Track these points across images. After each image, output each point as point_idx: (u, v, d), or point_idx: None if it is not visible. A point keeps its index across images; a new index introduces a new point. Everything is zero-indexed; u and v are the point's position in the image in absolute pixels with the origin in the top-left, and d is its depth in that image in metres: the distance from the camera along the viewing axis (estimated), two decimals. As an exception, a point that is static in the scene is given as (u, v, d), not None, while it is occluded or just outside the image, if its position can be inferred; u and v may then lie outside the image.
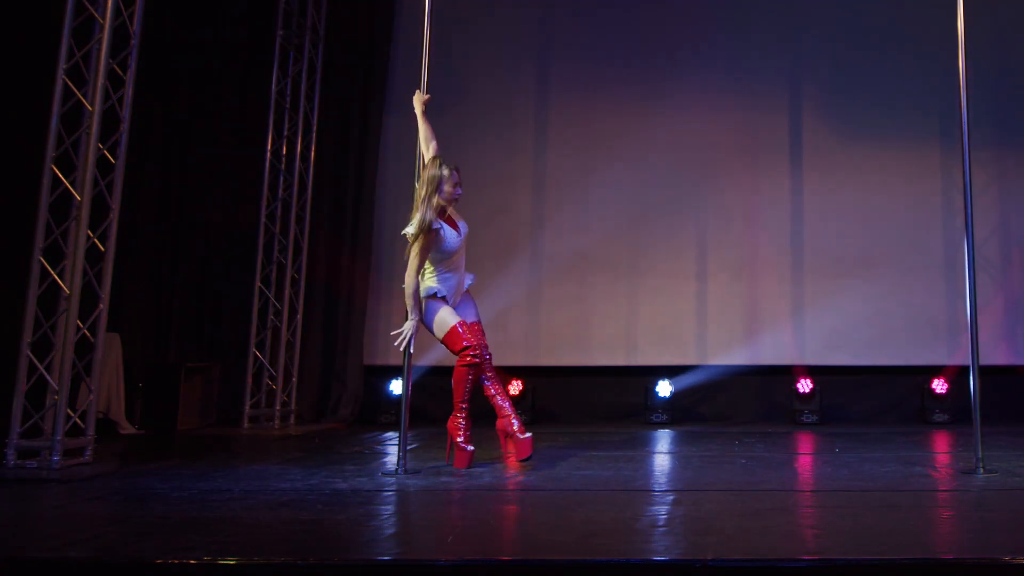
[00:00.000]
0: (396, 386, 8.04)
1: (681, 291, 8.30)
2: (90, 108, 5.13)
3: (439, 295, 4.95)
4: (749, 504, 3.91)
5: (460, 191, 5.01)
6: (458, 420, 4.97)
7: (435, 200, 4.89)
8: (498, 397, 4.96)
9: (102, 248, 5.21)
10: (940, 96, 8.10)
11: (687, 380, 8.17)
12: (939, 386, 7.82)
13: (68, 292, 4.99)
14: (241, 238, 8.10)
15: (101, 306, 5.21)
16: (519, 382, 8.01)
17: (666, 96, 8.54)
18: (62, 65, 5.12)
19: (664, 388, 7.96)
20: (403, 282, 4.92)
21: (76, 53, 5.19)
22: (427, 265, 4.96)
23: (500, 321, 8.20)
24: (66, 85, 5.13)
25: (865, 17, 8.48)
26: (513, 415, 4.97)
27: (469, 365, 4.90)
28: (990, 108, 8.19)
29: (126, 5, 5.37)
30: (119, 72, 5.40)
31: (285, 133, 8.12)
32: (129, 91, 5.45)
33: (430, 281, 4.97)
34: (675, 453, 5.99)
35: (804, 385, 7.88)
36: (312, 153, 8.34)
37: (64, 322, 4.97)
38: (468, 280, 5.16)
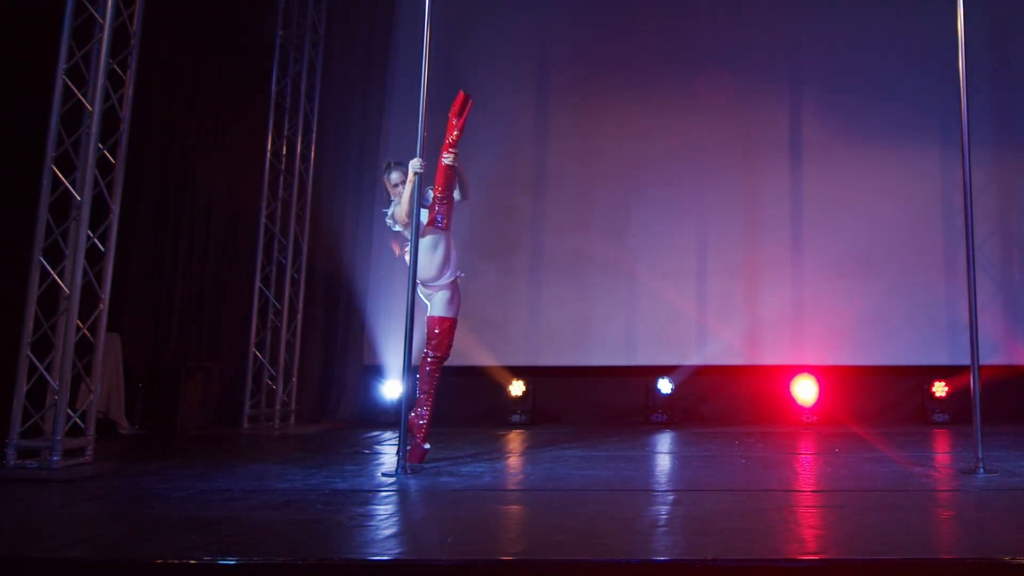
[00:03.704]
0: (388, 389, 8.01)
1: (681, 291, 8.30)
2: (90, 108, 5.13)
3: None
4: (749, 504, 3.91)
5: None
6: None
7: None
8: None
9: (102, 248, 5.21)
10: (940, 96, 8.09)
11: (685, 379, 8.17)
12: (939, 386, 7.82)
13: (68, 292, 4.99)
14: (241, 238, 8.10)
15: (101, 306, 5.22)
16: (521, 382, 8.02)
17: (666, 96, 8.54)
18: (62, 65, 5.12)
19: (665, 385, 7.95)
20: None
21: (76, 53, 5.19)
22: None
23: (500, 321, 8.21)
24: (66, 85, 5.13)
25: (865, 17, 8.48)
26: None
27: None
28: (990, 108, 8.20)
29: (126, 5, 5.38)
30: (119, 72, 5.40)
31: (285, 133, 8.12)
32: (129, 91, 5.45)
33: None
34: (675, 453, 5.99)
35: (809, 388, 7.87)
36: (312, 153, 8.34)
37: (64, 322, 4.97)
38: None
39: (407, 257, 5.16)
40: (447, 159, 5.10)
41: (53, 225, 5.06)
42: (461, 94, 5.22)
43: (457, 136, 5.15)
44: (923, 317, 8.13)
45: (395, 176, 5.25)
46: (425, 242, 5.09)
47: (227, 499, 4.07)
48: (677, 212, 8.40)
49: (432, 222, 5.13)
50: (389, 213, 5.22)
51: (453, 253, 5.21)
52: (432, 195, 5.16)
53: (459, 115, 5.19)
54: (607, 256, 8.38)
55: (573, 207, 8.49)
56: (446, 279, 5.17)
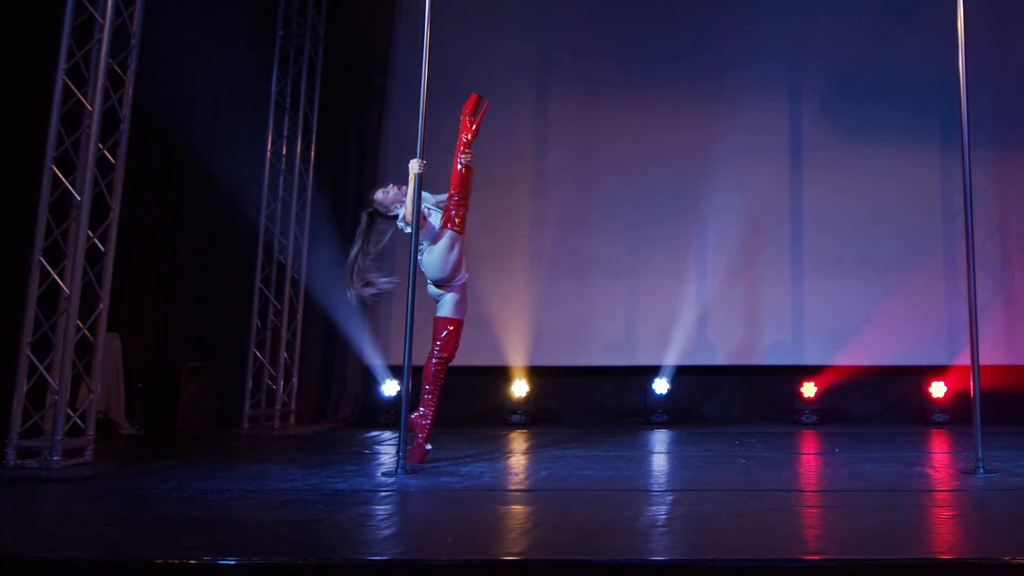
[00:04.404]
0: (388, 388, 8.03)
1: (681, 291, 8.30)
2: (90, 108, 5.13)
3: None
4: (749, 504, 3.91)
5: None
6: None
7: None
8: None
9: (102, 248, 5.21)
10: (940, 96, 8.09)
11: (686, 379, 8.17)
12: (938, 387, 7.82)
13: (68, 292, 4.99)
14: (241, 238, 8.10)
15: (101, 306, 5.22)
16: (522, 382, 8.03)
17: (666, 96, 8.54)
18: (62, 65, 5.12)
19: (661, 385, 7.95)
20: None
21: (76, 53, 5.19)
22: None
23: (500, 321, 8.21)
24: (66, 85, 5.13)
25: (865, 17, 8.48)
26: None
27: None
28: (990, 108, 8.19)
29: (126, 5, 5.38)
30: (119, 72, 5.40)
31: (285, 133, 8.12)
32: (129, 91, 5.46)
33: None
34: (675, 453, 5.99)
35: (808, 388, 7.86)
36: (312, 153, 8.33)
37: (64, 322, 4.97)
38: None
39: (383, 282, 5.29)
40: (463, 159, 5.10)
41: (53, 225, 5.06)
42: (474, 96, 5.23)
43: (472, 137, 5.16)
44: (923, 317, 8.12)
45: (379, 195, 5.29)
46: (442, 244, 5.11)
47: (227, 499, 4.07)
48: (677, 212, 8.40)
49: (447, 223, 5.13)
50: (400, 216, 5.22)
51: (464, 256, 5.22)
52: (447, 197, 5.19)
53: (474, 116, 5.20)
54: (607, 256, 8.38)
55: (573, 207, 8.49)
56: (458, 281, 5.19)
